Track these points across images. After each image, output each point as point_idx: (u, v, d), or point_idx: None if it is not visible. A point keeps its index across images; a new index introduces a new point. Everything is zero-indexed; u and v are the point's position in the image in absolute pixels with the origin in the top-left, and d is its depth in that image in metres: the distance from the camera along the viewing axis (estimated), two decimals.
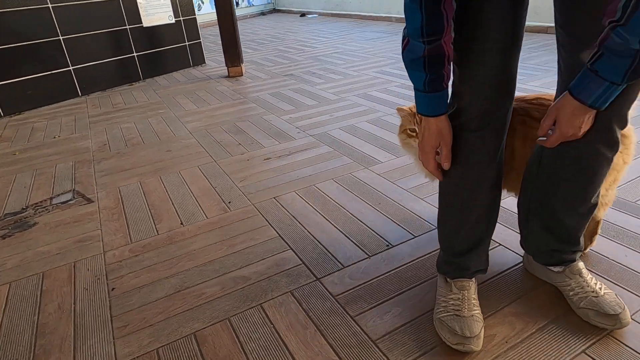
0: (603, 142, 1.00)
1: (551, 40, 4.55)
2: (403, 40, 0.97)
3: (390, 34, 6.07)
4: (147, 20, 4.43)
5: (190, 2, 4.79)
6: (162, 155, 2.55)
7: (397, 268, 1.42)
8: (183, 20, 4.74)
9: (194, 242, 1.67)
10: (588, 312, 1.14)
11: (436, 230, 1.36)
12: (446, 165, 1.07)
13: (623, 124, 0.98)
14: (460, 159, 1.09)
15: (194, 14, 4.85)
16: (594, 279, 1.20)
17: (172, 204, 1.98)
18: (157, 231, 1.77)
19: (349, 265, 1.45)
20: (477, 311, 1.15)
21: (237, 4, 9.95)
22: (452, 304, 1.17)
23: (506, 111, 1.05)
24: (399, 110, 1.43)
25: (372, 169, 2.13)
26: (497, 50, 0.95)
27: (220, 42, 6.98)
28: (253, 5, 10.56)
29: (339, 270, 1.44)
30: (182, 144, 2.70)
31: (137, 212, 1.93)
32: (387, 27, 6.78)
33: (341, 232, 1.64)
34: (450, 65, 0.99)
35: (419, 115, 1.14)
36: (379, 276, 1.39)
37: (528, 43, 4.56)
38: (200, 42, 4.98)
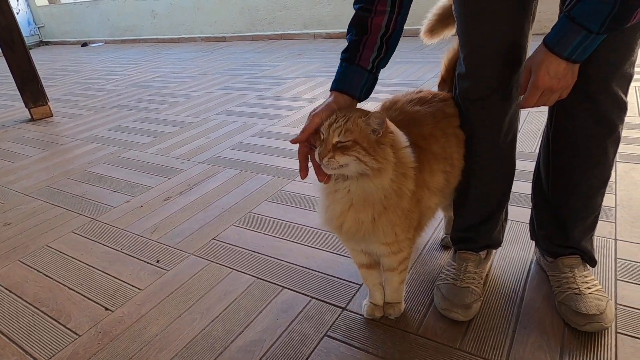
0: (608, 105, 0.90)
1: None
2: None
3: (206, 53, 5.81)
4: None
5: None
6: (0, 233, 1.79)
7: (415, 262, 1.31)
8: None
9: (148, 326, 1.20)
10: (562, 307, 1.05)
11: None
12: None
13: (625, 81, 0.90)
14: (468, 131, 1.05)
15: None
16: (591, 278, 1.08)
17: (70, 289, 1.39)
18: (74, 332, 1.21)
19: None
20: (474, 284, 1.13)
21: None
22: (452, 273, 1.16)
23: (512, 78, 0.99)
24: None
25: (299, 179, 1.95)
26: (500, 18, 0.91)
27: None
28: None
29: (357, 290, 1.24)
30: (22, 211, 1.95)
31: (18, 319, 1.28)
32: (195, 47, 6.47)
33: (325, 250, 1.43)
34: (372, 46, 0.93)
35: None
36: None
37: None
38: None
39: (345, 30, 0.97)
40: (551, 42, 0.80)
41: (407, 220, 0.95)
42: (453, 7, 0.98)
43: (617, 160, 1.76)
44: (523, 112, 2.34)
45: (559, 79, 0.82)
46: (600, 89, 0.89)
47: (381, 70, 0.96)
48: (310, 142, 0.91)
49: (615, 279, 1.17)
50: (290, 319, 1.16)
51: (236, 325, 1.16)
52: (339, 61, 0.96)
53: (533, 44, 0.90)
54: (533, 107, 0.90)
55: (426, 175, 0.97)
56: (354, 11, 0.95)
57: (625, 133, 1.97)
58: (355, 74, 0.93)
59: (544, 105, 0.89)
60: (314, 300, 1.22)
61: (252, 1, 6.25)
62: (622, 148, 1.85)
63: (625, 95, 0.91)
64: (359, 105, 0.96)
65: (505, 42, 0.94)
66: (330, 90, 0.95)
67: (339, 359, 1.03)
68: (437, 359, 1.00)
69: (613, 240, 1.31)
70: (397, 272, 1.06)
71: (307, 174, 0.92)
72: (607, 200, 1.50)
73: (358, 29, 0.94)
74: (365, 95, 0.95)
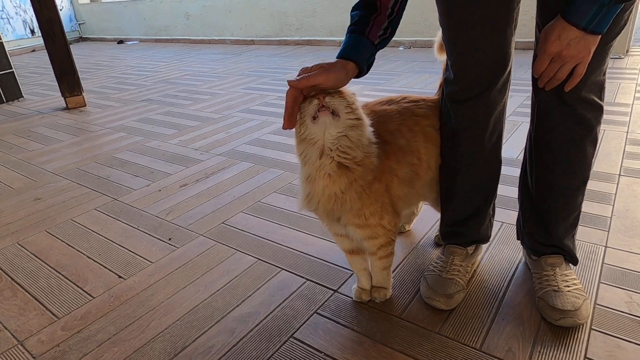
0: (582, 108, 0.97)
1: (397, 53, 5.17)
2: None
3: (234, 55, 6.01)
4: None
5: None
6: (30, 206, 1.94)
7: (407, 254, 1.38)
8: None
9: (155, 293, 1.31)
10: (540, 302, 1.11)
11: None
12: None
13: (597, 88, 0.96)
14: (454, 131, 1.10)
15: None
16: (572, 277, 1.13)
17: (89, 258, 1.51)
18: (89, 294, 1.33)
19: None
20: (459, 276, 1.18)
21: (33, 32, 8.45)
22: (439, 265, 1.22)
23: (497, 82, 1.04)
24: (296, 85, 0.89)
25: None
26: (484, 28, 0.96)
27: (29, 73, 5.83)
28: None
29: (350, 276, 1.32)
30: (52, 188, 2.11)
31: (41, 280, 1.41)
32: (224, 49, 6.69)
33: (325, 239, 1.51)
34: (380, 24, 0.96)
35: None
36: (393, 269, 1.32)
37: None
38: (12, 72, 4.03)
39: None
40: (568, 14, 0.83)
41: (377, 203, 1.01)
42: (438, 18, 1.04)
43: (621, 174, 1.78)
44: (522, 120, 2.37)
45: (569, 45, 0.85)
46: (573, 97, 0.95)
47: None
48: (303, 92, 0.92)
49: (599, 282, 1.21)
50: (285, 297, 1.25)
51: (235, 299, 1.26)
52: (346, 34, 0.98)
53: (517, 58, 0.96)
54: (547, 82, 0.93)
55: (393, 163, 1.04)
56: None
57: (631, 149, 2.00)
58: (365, 46, 0.95)
59: (558, 79, 0.91)
60: (309, 281, 1.31)
61: (281, 6, 6.44)
62: (627, 163, 1.87)
63: (600, 99, 0.96)
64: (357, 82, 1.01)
65: (491, 49, 0.99)
66: (338, 58, 0.94)
67: (325, 333, 1.11)
68: (415, 339, 1.06)
69: (603, 247, 1.35)
70: (376, 257, 1.12)
71: (293, 125, 0.91)
72: (604, 210, 1.54)
73: (367, 8, 0.97)
74: (367, 69, 0.98)
